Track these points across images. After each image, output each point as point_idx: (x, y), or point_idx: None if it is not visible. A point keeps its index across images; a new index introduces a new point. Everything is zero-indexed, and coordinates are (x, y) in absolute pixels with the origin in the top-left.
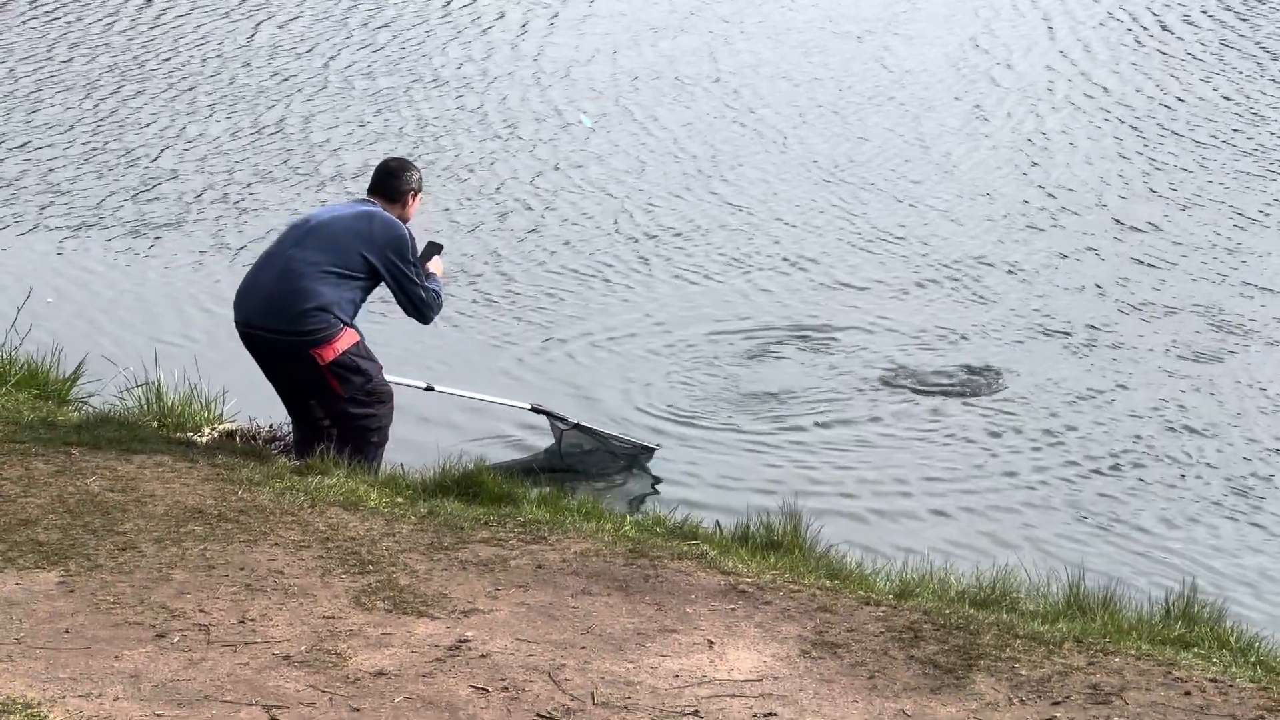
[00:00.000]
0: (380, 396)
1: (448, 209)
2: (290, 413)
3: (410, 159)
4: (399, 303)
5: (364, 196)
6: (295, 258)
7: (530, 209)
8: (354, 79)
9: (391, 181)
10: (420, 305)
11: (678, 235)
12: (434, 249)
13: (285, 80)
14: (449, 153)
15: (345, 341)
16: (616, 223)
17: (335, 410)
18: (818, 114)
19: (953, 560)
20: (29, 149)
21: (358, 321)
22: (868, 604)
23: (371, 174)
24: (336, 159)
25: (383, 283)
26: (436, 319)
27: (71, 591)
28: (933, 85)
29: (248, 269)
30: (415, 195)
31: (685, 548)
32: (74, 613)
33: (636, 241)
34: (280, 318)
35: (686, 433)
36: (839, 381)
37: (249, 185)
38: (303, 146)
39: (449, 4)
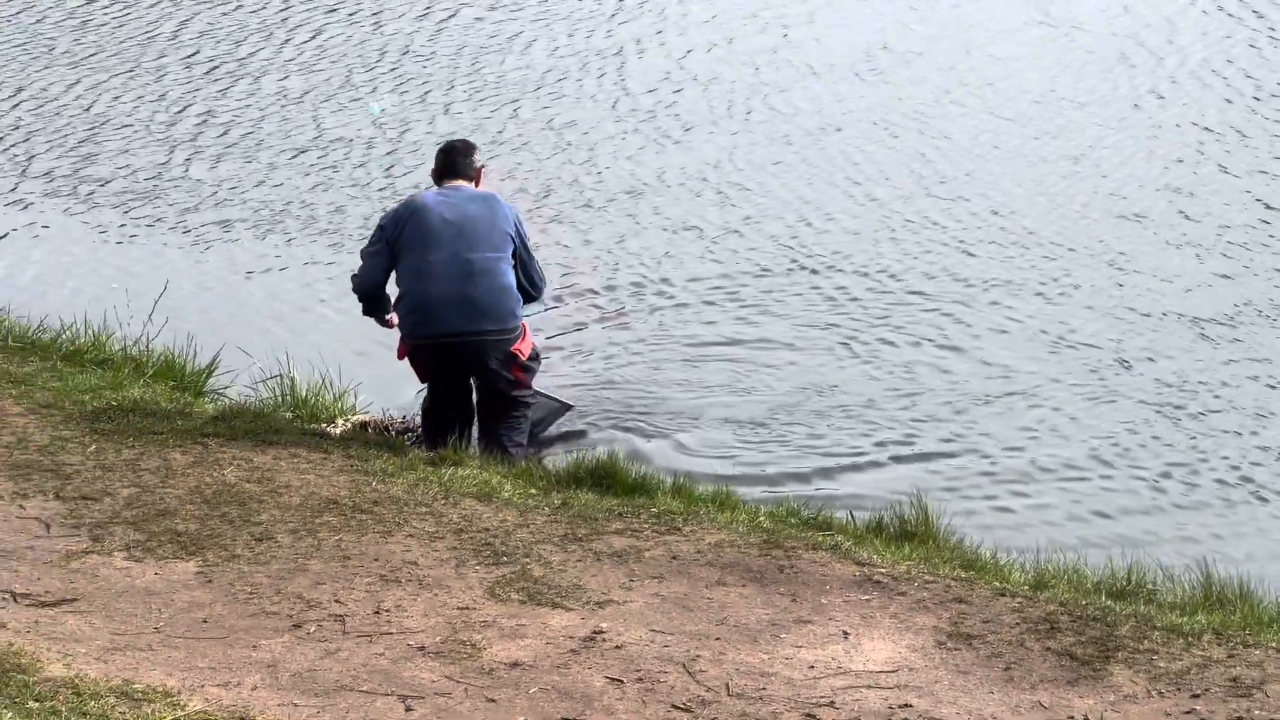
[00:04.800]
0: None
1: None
2: (442, 403)
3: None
4: (519, 282)
5: (443, 184)
6: (476, 259)
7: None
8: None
9: (466, 160)
10: (539, 280)
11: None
12: None
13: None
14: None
15: (529, 336)
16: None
17: (506, 398)
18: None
19: (1085, 552)
20: (154, 139)
21: None
22: (1003, 595)
23: (438, 159)
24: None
25: None
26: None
27: (209, 581)
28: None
29: (417, 285)
30: (482, 171)
31: (820, 538)
32: (212, 602)
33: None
34: (490, 319)
35: (806, 422)
36: (957, 370)
37: (370, 179)
38: (419, 141)
39: None
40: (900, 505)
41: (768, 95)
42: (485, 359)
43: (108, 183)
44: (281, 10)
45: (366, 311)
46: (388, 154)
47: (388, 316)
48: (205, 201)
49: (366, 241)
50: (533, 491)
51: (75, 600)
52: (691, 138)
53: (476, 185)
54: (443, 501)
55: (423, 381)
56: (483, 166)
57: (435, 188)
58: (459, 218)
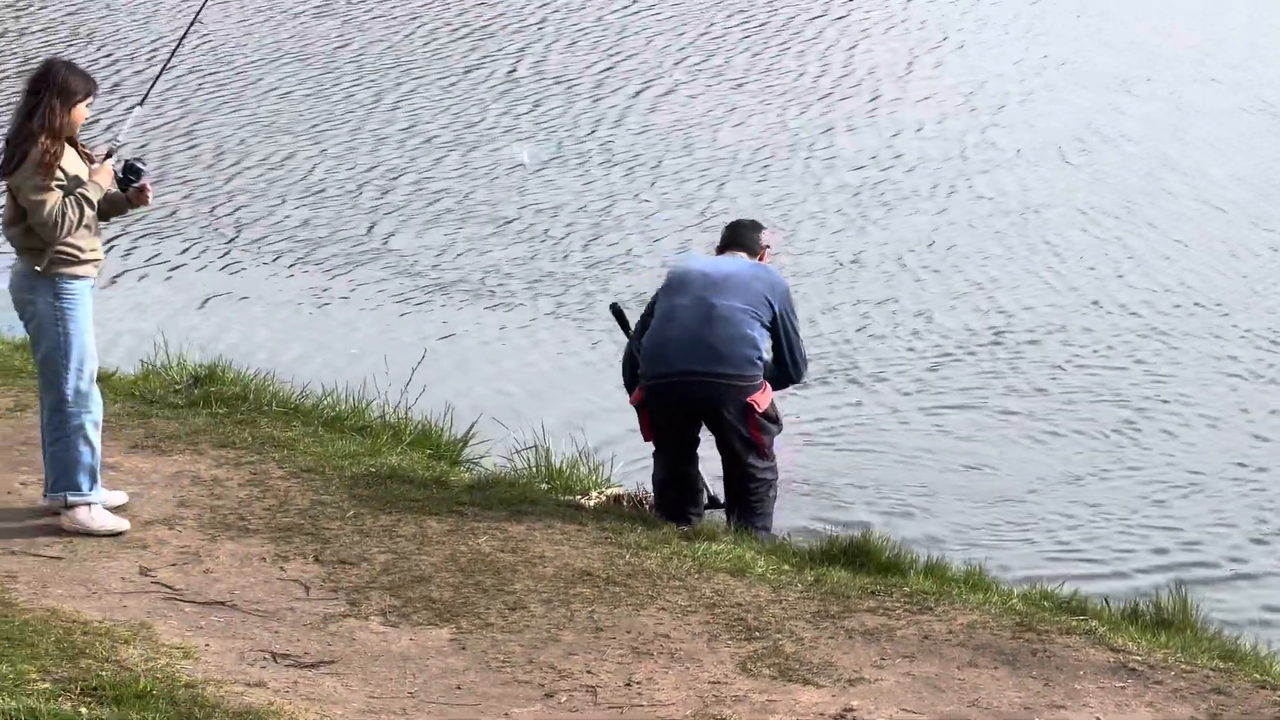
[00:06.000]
0: (772, 454)
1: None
2: (671, 469)
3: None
4: (778, 359)
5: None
6: (720, 305)
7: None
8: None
9: (753, 234)
10: (801, 362)
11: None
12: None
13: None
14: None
15: (768, 392)
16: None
17: (743, 464)
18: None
19: None
20: (368, 207)
21: None
22: (1264, 688)
23: (725, 232)
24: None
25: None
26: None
27: (463, 649)
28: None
29: (660, 327)
30: (767, 250)
31: (1074, 623)
32: (465, 669)
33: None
34: (725, 363)
35: (1069, 501)
36: (1214, 449)
37: (620, 244)
38: (670, 196)
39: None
40: (1157, 592)
41: (972, 177)
42: (720, 405)
43: (323, 248)
44: (501, 84)
45: (626, 381)
46: (594, 224)
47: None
48: (422, 267)
49: None
50: (786, 568)
51: (333, 662)
52: (893, 217)
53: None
54: (696, 576)
55: (648, 439)
56: (768, 247)
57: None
58: (714, 270)
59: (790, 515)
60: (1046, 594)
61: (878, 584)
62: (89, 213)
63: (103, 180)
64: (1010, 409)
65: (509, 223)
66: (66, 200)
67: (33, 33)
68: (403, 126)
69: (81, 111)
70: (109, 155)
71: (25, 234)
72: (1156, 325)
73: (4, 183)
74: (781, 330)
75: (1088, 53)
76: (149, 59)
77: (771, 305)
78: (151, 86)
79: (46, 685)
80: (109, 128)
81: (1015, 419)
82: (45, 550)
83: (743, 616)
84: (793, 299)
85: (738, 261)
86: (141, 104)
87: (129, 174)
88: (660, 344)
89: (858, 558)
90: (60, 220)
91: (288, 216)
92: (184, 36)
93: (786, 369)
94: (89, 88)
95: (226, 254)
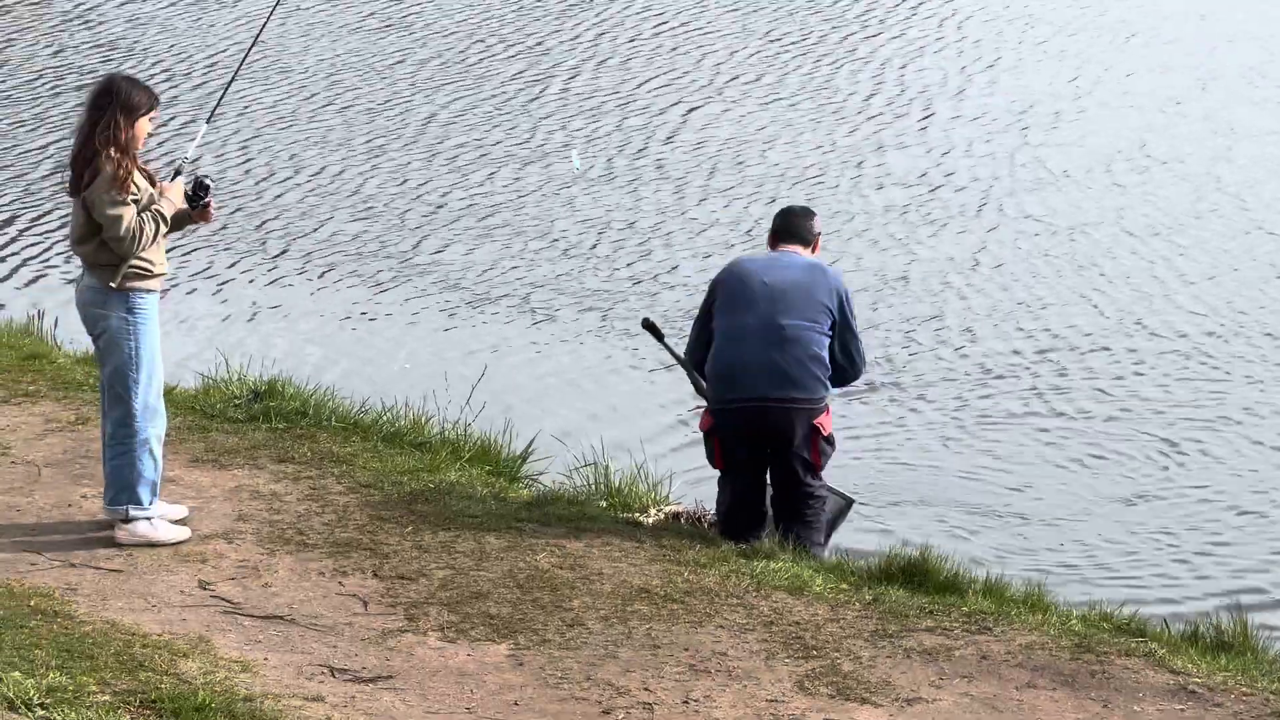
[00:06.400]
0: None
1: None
2: (741, 497)
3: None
4: (835, 356)
5: (776, 247)
6: (789, 326)
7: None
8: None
9: (806, 224)
10: (859, 358)
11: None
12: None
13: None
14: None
15: (830, 414)
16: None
17: (800, 483)
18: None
19: None
20: (465, 228)
21: None
22: None
23: (776, 221)
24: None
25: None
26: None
27: (520, 665)
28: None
29: (726, 347)
30: (820, 238)
31: (1133, 645)
32: (522, 685)
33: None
34: (797, 386)
35: (1120, 523)
36: (1236, 476)
37: (666, 258)
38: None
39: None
40: (1216, 614)
41: (1016, 197)
42: (790, 429)
43: (370, 262)
44: (532, 100)
45: (694, 384)
46: (642, 241)
47: (704, 387)
48: (470, 282)
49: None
50: (844, 586)
51: (391, 678)
52: (939, 236)
53: (813, 252)
54: (754, 594)
55: (716, 466)
56: (820, 234)
57: (769, 250)
58: (778, 281)
59: (844, 533)
60: (1105, 615)
61: (936, 603)
62: (163, 227)
63: (174, 196)
64: (1059, 429)
65: (556, 239)
66: (143, 215)
67: (80, 49)
68: (453, 142)
69: (145, 126)
70: (178, 173)
71: (98, 250)
72: (1204, 346)
73: (75, 199)
74: (840, 331)
75: (1135, 73)
76: (187, 74)
77: (832, 311)
78: (218, 105)
79: (106, 697)
80: (161, 143)
81: (1065, 439)
82: (105, 563)
83: (800, 635)
84: (851, 297)
85: (795, 264)
86: (209, 121)
87: (199, 190)
88: (729, 366)
89: (916, 577)
90: (138, 235)
91: (336, 230)
92: (248, 53)
93: (844, 367)
94: (152, 102)
95: (275, 268)
